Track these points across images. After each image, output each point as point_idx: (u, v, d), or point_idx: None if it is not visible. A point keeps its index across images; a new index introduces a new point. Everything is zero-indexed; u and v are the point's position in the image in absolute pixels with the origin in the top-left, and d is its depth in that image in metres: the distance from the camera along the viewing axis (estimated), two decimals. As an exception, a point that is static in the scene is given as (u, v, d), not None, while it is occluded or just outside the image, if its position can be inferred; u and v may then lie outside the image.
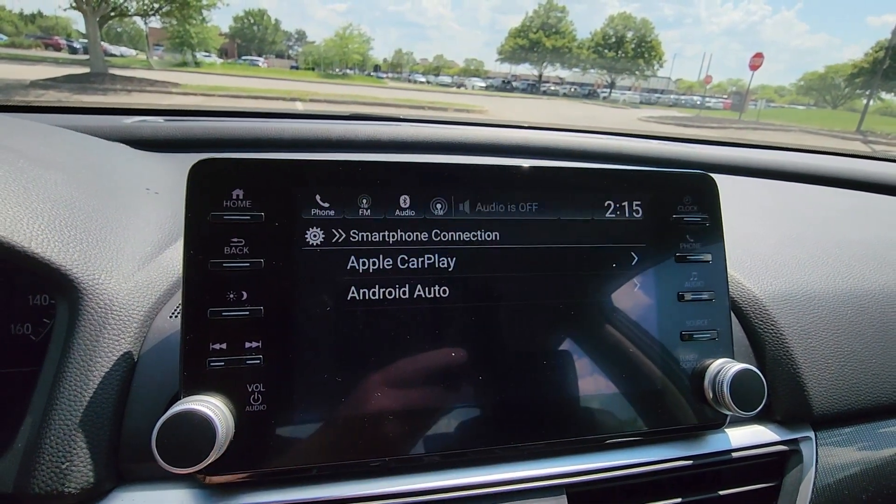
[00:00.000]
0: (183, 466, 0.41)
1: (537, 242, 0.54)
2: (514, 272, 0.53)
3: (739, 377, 0.54)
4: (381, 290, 0.50)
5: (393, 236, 0.51)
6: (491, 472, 0.51)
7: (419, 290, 0.51)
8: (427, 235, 0.52)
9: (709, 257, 0.59)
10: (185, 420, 0.42)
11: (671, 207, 0.58)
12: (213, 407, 0.43)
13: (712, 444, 0.58)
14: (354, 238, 0.50)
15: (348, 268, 0.50)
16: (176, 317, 0.54)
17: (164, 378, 0.49)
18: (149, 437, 0.45)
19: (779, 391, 0.61)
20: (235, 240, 0.47)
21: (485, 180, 0.53)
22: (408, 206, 0.52)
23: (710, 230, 0.59)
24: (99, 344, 0.48)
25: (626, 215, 0.57)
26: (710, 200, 0.60)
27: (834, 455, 0.61)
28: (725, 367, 0.55)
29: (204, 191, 0.47)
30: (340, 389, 0.48)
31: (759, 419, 0.62)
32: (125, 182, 0.73)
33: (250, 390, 0.46)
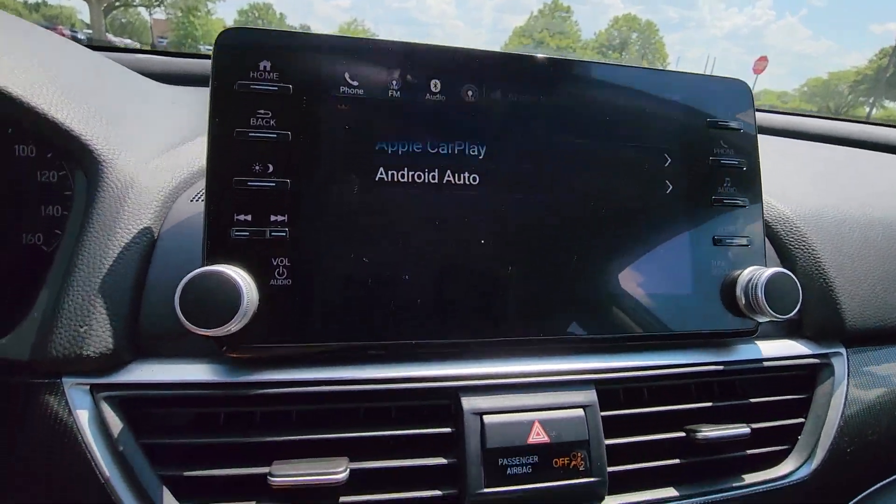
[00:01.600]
0: (206, 327, 0.40)
1: (571, 138, 0.53)
2: (546, 166, 0.52)
3: (774, 280, 0.52)
4: (410, 174, 0.48)
5: (423, 120, 0.49)
6: (522, 364, 0.50)
7: (448, 176, 0.49)
8: (457, 121, 0.50)
9: (743, 164, 0.57)
10: (210, 280, 0.40)
11: (707, 110, 0.57)
12: (237, 272, 0.42)
13: (743, 353, 0.56)
14: (383, 119, 0.48)
15: (377, 148, 0.48)
16: (198, 200, 0.52)
17: (185, 257, 0.47)
18: (169, 309, 0.43)
19: (810, 307, 0.60)
20: (262, 111, 0.46)
21: (519, 70, 0.52)
22: (438, 90, 0.50)
23: (744, 137, 0.58)
24: (118, 217, 0.46)
25: (662, 116, 0.55)
26: (743, 106, 0.58)
27: (865, 373, 0.60)
28: (758, 272, 0.53)
29: (231, 59, 0.46)
30: (367, 269, 0.46)
31: (790, 334, 0.61)
32: (151, 90, 0.71)
33: (275, 264, 0.45)
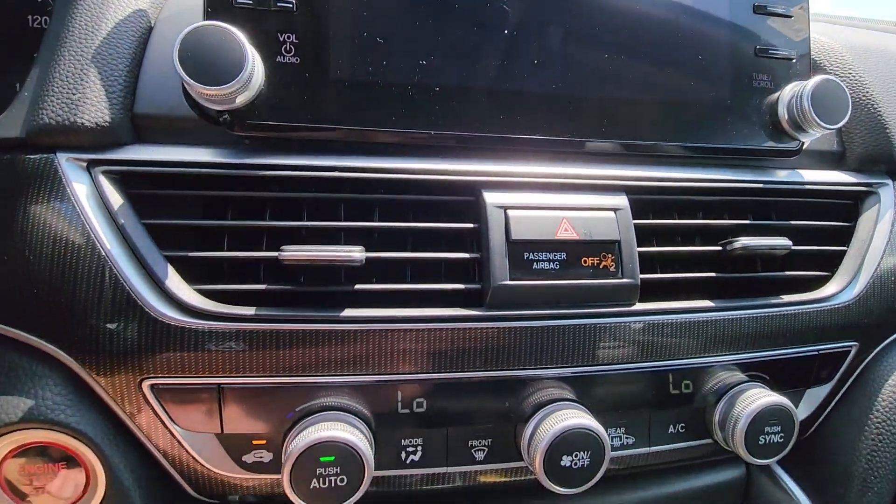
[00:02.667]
0: (206, 83, 0.36)
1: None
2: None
3: (821, 87, 0.48)
4: (429, -48, 0.44)
5: None
6: (550, 166, 0.46)
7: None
8: None
9: (790, -31, 0.52)
10: (212, 34, 0.37)
11: None
12: (241, 34, 0.38)
13: (784, 176, 0.52)
14: None
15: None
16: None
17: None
18: (169, 85, 0.40)
19: (856, 135, 0.56)
20: None
21: None
22: None
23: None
24: (111, -4, 0.42)
25: None
26: None
27: (911, 206, 0.56)
28: (803, 83, 0.49)
29: None
30: (381, 50, 0.42)
31: (833, 167, 0.56)
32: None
33: (282, 40, 0.41)
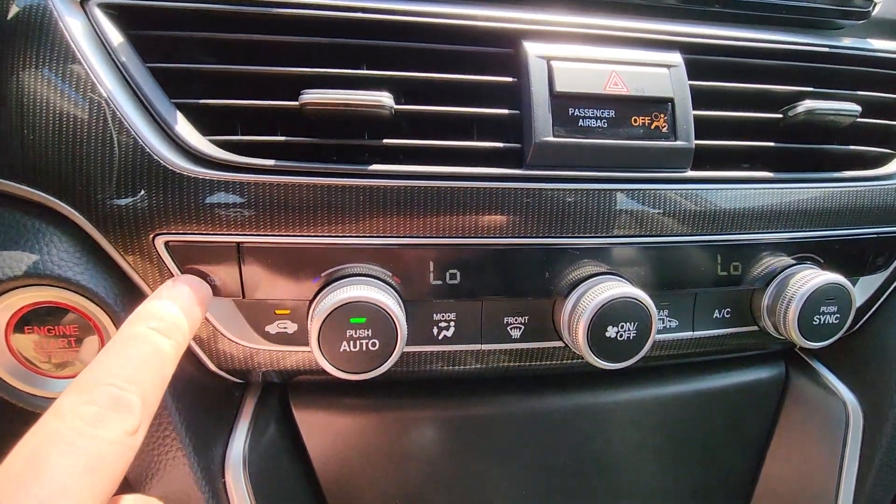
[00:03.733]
0: None
1: None
2: None
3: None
4: None
5: None
6: (598, 17, 0.41)
7: None
8: None
9: None
10: None
11: None
12: None
13: (850, 42, 0.47)
14: None
15: None
16: None
17: None
18: None
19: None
20: None
21: None
22: None
23: None
24: None
25: None
26: None
27: None
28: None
29: None
30: None
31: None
32: None
33: None
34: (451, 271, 0.39)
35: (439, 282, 0.39)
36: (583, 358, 0.40)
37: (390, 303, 0.35)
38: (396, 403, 0.48)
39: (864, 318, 0.53)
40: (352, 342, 0.35)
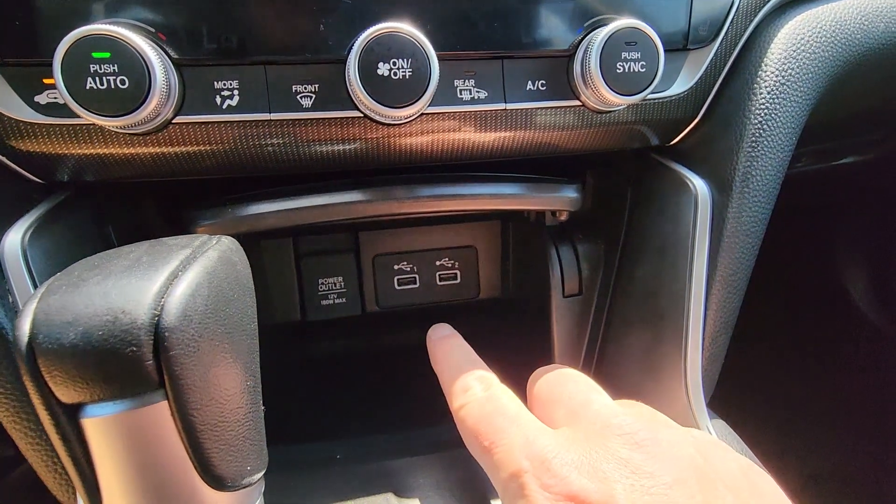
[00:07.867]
0: None
1: None
2: None
3: None
4: None
5: None
6: None
7: None
8: None
9: None
10: None
11: None
12: None
13: None
14: None
15: None
16: None
17: None
18: None
19: None
20: None
21: None
22: None
23: None
24: None
25: None
26: None
27: None
28: None
29: None
30: None
31: None
32: None
33: None
34: (222, 31, 0.39)
35: (214, 45, 0.39)
36: (371, 118, 0.39)
37: (138, 39, 0.35)
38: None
39: (707, 104, 0.51)
40: (97, 78, 0.34)
